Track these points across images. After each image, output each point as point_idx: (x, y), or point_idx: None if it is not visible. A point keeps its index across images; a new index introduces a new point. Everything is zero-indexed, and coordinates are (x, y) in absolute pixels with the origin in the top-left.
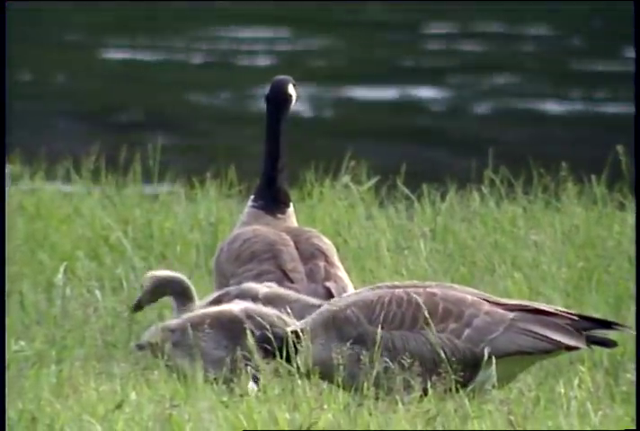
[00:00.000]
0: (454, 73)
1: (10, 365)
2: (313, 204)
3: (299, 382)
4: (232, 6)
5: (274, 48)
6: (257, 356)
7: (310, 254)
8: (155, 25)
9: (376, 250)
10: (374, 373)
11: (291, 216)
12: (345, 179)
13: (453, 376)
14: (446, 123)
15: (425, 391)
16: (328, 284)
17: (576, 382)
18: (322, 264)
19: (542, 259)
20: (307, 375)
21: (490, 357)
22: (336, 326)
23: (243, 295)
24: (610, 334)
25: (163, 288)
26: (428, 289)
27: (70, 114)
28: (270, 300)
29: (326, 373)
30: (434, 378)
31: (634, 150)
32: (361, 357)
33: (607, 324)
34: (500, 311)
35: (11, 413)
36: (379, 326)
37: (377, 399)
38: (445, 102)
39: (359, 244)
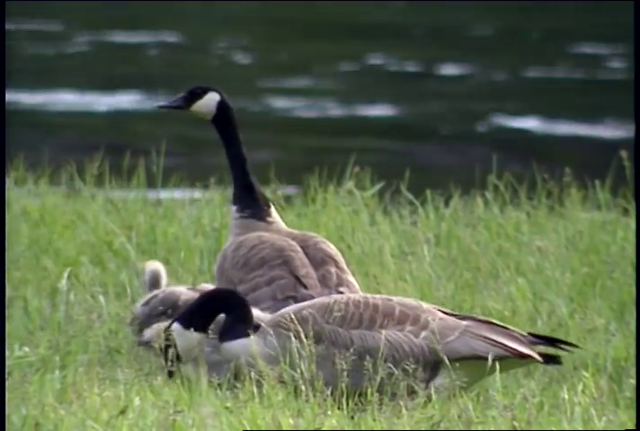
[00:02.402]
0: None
1: (13, 370)
2: (317, 209)
3: (303, 387)
4: None
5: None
6: (261, 362)
7: (320, 260)
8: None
9: (379, 255)
10: (378, 379)
11: (277, 216)
12: (349, 185)
13: (415, 369)
14: (451, 129)
15: (429, 397)
16: (342, 289)
17: (580, 387)
18: (333, 270)
19: (546, 264)
20: (312, 382)
21: (446, 359)
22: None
23: (166, 299)
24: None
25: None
26: (384, 296)
27: (74, 117)
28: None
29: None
30: (398, 375)
31: (634, 155)
32: (317, 355)
33: (552, 341)
34: (453, 318)
35: (14, 419)
36: (337, 325)
37: (380, 404)
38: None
39: (362, 250)
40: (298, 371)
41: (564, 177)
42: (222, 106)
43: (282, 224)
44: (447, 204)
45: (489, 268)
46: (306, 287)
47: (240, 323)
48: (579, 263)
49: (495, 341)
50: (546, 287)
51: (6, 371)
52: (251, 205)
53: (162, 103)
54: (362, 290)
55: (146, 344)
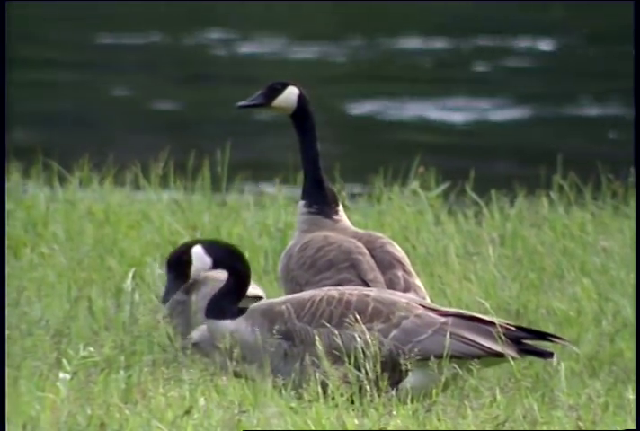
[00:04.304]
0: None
1: (79, 370)
2: (382, 209)
3: (368, 387)
4: None
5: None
6: (326, 362)
7: (388, 263)
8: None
9: (444, 255)
10: (443, 379)
11: (344, 215)
12: (414, 185)
13: (379, 371)
14: (515, 130)
15: (494, 397)
16: (409, 294)
17: None
18: (400, 274)
19: (611, 264)
20: (376, 382)
21: (418, 359)
22: (269, 318)
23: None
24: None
25: None
26: (364, 291)
27: (140, 120)
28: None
29: (245, 357)
30: (362, 377)
31: (633, 151)
32: (287, 352)
33: (544, 336)
34: (432, 315)
35: (79, 419)
36: (307, 322)
37: (445, 404)
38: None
39: (427, 250)
40: (363, 371)
41: (629, 177)
42: (302, 99)
43: (348, 223)
44: (512, 204)
45: (554, 269)
46: None
47: (232, 299)
48: None
49: (470, 340)
50: (611, 287)
51: (71, 370)
52: (319, 201)
53: (241, 103)
54: (427, 291)
55: (195, 346)
